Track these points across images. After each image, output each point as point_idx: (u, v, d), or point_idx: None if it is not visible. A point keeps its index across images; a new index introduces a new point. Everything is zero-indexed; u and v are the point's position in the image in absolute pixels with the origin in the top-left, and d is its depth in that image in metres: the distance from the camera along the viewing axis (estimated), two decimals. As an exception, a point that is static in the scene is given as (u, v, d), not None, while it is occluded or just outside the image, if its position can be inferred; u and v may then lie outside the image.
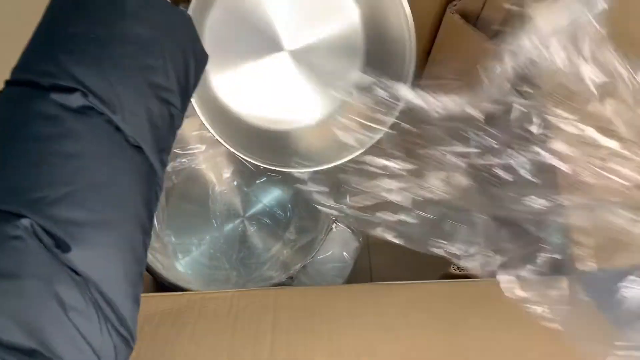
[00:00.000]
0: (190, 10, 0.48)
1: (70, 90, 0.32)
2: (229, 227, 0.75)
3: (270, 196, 0.76)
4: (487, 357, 0.46)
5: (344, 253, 0.64)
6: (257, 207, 0.76)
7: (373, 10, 0.55)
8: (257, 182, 0.76)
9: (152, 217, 0.36)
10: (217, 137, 0.51)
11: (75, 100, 0.32)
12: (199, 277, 0.70)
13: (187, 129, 0.69)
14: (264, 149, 0.54)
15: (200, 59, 0.40)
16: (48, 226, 0.29)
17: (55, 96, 0.32)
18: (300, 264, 0.63)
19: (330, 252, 0.64)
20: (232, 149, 0.52)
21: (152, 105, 0.35)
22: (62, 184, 0.31)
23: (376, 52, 0.56)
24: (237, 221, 0.75)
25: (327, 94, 0.56)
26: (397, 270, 0.58)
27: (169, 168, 0.69)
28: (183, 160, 0.72)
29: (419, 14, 0.66)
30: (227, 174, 0.76)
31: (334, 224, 0.65)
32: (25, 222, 0.29)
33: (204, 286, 0.67)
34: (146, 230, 0.35)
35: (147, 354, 0.46)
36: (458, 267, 0.52)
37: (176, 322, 0.48)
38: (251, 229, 0.74)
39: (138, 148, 0.34)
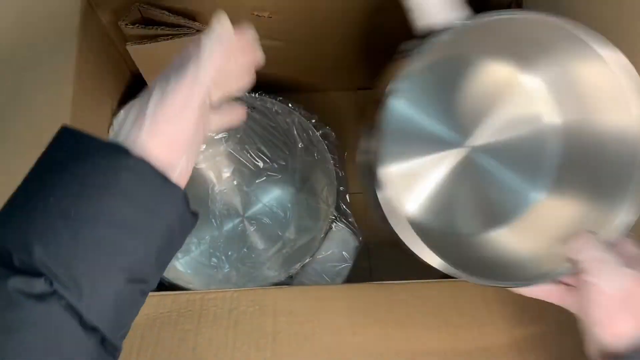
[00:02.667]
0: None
1: (35, 275, 0.30)
2: (228, 226, 0.75)
3: (270, 196, 0.76)
4: (487, 356, 0.46)
5: (344, 253, 0.64)
6: (257, 207, 0.76)
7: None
8: (257, 181, 0.76)
9: None
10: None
11: (39, 286, 0.29)
12: (199, 277, 0.70)
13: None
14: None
15: (187, 228, 0.36)
16: None
17: (18, 280, 0.29)
18: (299, 264, 0.63)
19: (330, 252, 0.64)
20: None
21: (122, 288, 0.32)
22: None
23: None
24: (237, 220, 0.75)
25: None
26: (397, 270, 0.57)
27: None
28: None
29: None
30: (226, 173, 0.76)
31: (334, 224, 0.65)
32: None
33: (204, 286, 0.67)
34: None
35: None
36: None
37: (177, 324, 0.48)
38: (251, 229, 0.74)
39: (95, 330, 0.31)
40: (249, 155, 0.75)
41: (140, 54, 0.62)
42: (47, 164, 0.34)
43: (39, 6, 0.57)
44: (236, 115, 0.42)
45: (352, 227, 0.65)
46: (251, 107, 0.70)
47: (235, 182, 0.76)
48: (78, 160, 0.33)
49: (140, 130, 0.33)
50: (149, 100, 0.34)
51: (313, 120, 0.70)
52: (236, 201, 0.76)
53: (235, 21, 0.36)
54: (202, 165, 0.75)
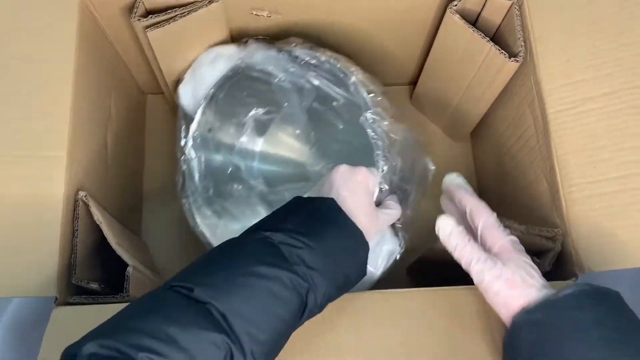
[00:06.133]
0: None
1: (303, 280, 0.42)
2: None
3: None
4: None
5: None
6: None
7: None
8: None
9: None
10: None
11: (301, 288, 0.42)
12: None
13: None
14: None
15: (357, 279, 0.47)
16: None
17: (292, 276, 0.42)
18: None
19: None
20: None
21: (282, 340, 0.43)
22: None
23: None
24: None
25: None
26: (397, 278, 0.57)
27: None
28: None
29: (418, 13, 0.66)
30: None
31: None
32: None
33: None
34: None
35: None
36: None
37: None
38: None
39: None
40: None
41: (159, 38, 0.62)
42: (328, 221, 0.46)
43: (37, 5, 0.57)
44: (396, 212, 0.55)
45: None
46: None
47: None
48: (343, 228, 0.47)
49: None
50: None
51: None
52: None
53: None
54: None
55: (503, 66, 0.59)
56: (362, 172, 0.51)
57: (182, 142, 0.64)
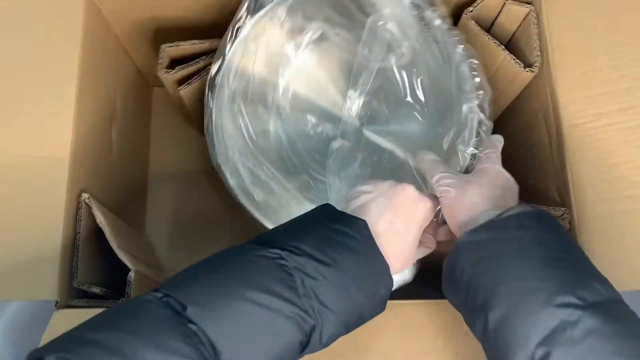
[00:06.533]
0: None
1: (309, 315, 0.38)
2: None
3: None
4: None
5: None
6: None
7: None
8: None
9: None
10: None
11: (305, 324, 0.38)
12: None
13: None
14: None
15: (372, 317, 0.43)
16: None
17: (298, 311, 0.37)
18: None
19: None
20: None
21: None
22: None
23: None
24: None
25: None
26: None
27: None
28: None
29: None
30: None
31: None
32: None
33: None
34: None
35: None
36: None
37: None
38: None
39: None
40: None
41: (190, 94, 0.61)
42: (349, 246, 0.40)
43: (43, 3, 0.56)
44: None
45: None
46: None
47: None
48: (368, 261, 0.41)
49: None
50: None
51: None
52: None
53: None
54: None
55: (517, 75, 0.57)
56: (426, 206, 0.45)
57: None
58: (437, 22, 0.55)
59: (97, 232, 0.54)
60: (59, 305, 0.49)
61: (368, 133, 0.66)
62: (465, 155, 0.52)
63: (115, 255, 0.53)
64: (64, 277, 0.50)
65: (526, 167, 0.62)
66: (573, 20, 0.55)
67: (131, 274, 0.51)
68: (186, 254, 0.74)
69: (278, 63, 0.65)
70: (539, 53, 0.56)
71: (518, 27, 0.59)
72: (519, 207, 0.42)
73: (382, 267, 0.41)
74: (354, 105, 0.66)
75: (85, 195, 0.52)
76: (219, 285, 0.37)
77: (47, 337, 0.47)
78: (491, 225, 0.41)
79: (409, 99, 0.64)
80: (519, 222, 0.41)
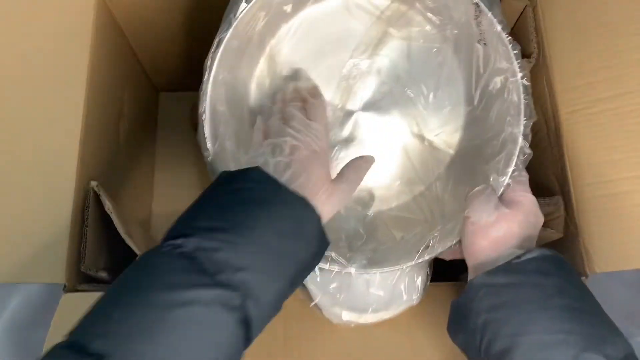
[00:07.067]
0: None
1: (233, 289, 0.34)
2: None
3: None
4: None
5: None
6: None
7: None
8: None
9: None
10: None
11: (236, 299, 0.34)
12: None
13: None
14: None
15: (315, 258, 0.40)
16: None
17: (217, 292, 0.33)
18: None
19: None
20: None
21: (286, 292, 0.37)
22: None
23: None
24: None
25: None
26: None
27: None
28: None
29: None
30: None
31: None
32: None
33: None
34: None
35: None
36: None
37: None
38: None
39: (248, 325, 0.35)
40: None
41: None
42: (252, 199, 0.37)
43: (53, 2, 0.58)
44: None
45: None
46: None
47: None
48: (276, 203, 0.37)
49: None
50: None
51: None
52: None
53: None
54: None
55: (516, 67, 0.59)
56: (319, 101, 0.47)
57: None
58: (498, 27, 0.48)
59: (105, 220, 0.55)
60: (67, 289, 0.50)
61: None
62: (500, 183, 0.47)
63: (121, 242, 0.54)
64: (72, 262, 0.51)
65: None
66: (568, 13, 0.56)
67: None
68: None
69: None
70: (535, 46, 0.57)
71: (515, 23, 0.61)
72: (538, 250, 0.41)
73: (291, 203, 0.37)
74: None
75: (94, 183, 0.53)
76: (121, 306, 0.33)
77: (57, 318, 0.48)
78: (510, 269, 0.40)
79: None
80: (538, 267, 0.40)
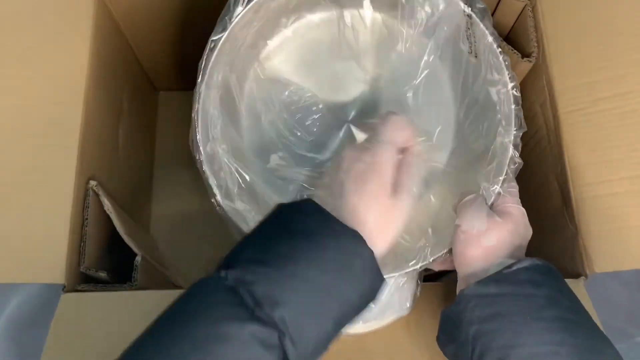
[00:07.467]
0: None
1: (271, 327, 0.31)
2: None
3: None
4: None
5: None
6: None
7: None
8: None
9: None
10: None
11: (273, 338, 0.31)
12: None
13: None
14: None
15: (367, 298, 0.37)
16: None
17: (255, 328, 0.31)
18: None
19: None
20: None
21: (330, 334, 0.34)
22: None
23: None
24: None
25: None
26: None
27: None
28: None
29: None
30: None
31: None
32: None
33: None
34: None
35: None
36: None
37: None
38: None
39: None
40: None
41: None
42: (298, 231, 0.35)
43: (53, 2, 0.58)
44: None
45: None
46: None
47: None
48: (323, 235, 0.34)
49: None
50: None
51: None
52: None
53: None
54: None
55: (516, 66, 0.58)
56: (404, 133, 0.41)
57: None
58: (489, 39, 0.48)
59: (104, 220, 0.55)
60: (66, 289, 0.50)
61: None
62: (491, 192, 0.47)
63: (120, 242, 0.54)
64: (71, 262, 0.51)
65: (525, 164, 0.63)
66: (567, 11, 0.56)
67: (138, 259, 0.52)
68: (190, 252, 0.74)
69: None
70: (535, 44, 0.57)
71: (515, 22, 0.61)
72: (529, 260, 0.41)
73: (342, 236, 0.34)
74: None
75: (93, 183, 0.53)
76: (165, 334, 0.32)
77: (57, 319, 0.48)
78: (502, 279, 0.40)
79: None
80: (529, 277, 0.40)
